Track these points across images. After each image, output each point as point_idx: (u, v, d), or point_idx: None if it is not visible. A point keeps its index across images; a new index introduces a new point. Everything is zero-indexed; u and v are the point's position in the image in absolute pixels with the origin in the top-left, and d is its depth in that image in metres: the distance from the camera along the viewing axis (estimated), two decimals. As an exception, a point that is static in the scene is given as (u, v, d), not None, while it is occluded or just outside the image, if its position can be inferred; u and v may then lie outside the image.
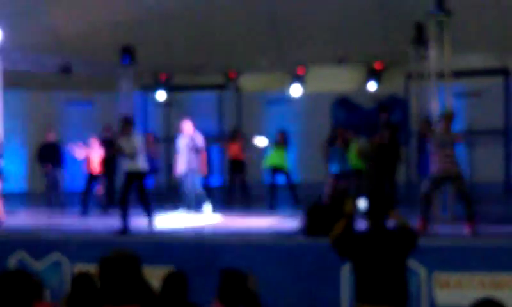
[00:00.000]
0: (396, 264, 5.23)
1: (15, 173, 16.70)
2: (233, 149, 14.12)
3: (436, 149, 9.45)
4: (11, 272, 3.64)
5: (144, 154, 11.10)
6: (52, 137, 14.15)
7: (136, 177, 10.76)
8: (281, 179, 13.50)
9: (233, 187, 14.24)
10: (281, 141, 13.56)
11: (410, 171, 14.32)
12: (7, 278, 3.32)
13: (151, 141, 14.80)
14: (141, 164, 10.83)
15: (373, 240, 5.23)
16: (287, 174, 13.47)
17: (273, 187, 13.38)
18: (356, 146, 12.67)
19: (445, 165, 9.38)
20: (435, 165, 9.45)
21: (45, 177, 14.03)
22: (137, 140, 10.87)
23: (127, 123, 11.01)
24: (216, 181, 16.63)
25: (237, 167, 14.12)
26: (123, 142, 10.83)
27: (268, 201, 13.31)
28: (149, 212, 10.76)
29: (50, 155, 13.97)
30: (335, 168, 12.14)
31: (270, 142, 13.77)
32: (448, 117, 9.67)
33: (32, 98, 17.82)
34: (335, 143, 12.36)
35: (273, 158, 13.49)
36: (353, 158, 12.58)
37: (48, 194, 14.01)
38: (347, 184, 12.20)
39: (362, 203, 5.36)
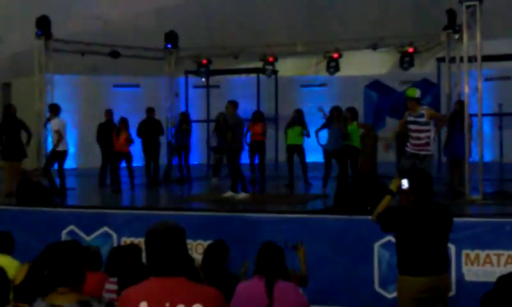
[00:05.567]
0: (440, 236, 5.18)
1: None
2: (255, 130, 14.08)
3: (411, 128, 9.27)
4: (65, 242, 3.65)
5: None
6: (109, 116, 14.03)
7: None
8: (296, 158, 13.35)
9: (252, 166, 14.20)
10: (297, 120, 13.44)
11: (441, 152, 14.09)
12: (61, 247, 3.33)
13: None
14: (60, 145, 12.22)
15: (418, 214, 5.17)
16: (302, 153, 13.32)
17: (291, 166, 13.30)
18: (356, 124, 12.25)
19: (414, 144, 9.20)
20: (411, 143, 9.30)
21: (103, 155, 13.87)
22: (55, 124, 12.31)
23: (51, 108, 12.60)
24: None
25: (256, 147, 14.07)
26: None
27: (288, 179, 13.24)
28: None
29: (108, 134, 13.75)
30: (328, 147, 11.97)
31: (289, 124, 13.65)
32: (408, 97, 9.21)
33: (81, 81, 18.01)
34: (332, 123, 12.08)
35: (291, 137, 13.38)
36: (351, 137, 12.19)
37: (104, 171, 13.91)
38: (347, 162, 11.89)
39: (405, 182, 5.32)
